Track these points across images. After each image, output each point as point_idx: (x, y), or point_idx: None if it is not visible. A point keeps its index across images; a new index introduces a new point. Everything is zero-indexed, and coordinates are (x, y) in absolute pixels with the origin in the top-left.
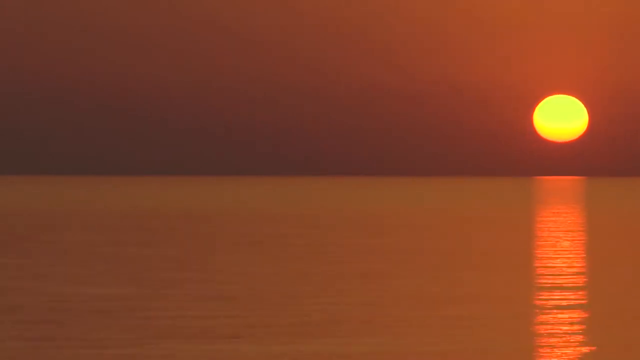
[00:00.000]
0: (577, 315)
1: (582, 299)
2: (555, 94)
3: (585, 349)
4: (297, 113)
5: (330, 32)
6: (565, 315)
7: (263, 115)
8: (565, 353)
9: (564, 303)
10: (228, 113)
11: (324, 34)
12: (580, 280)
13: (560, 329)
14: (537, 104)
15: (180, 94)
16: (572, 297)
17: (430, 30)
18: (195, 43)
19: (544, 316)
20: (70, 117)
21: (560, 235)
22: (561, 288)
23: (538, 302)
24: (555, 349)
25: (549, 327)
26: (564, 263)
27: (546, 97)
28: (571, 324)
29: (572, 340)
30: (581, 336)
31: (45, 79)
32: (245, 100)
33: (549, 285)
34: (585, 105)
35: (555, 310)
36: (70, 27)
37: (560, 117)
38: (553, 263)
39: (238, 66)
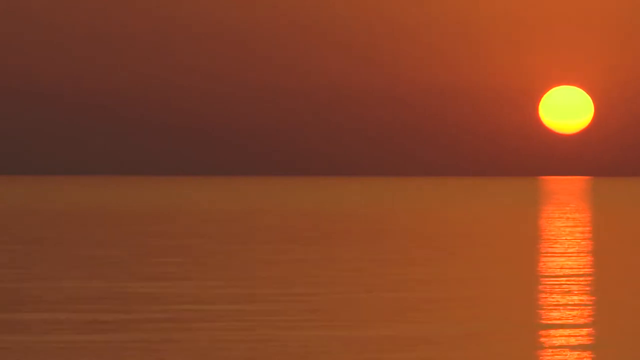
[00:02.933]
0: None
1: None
2: (560, 85)
3: None
4: (311, 115)
5: (335, 35)
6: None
7: (262, 117)
8: None
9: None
10: (229, 115)
11: (328, 37)
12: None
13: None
14: (542, 97)
15: (173, 95)
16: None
17: (430, 31)
18: (188, 44)
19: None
20: (59, 117)
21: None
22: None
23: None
24: None
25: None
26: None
27: (550, 89)
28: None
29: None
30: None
31: (38, 78)
32: (244, 102)
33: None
34: (590, 96)
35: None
36: (62, 27)
37: (567, 108)
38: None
39: (238, 69)
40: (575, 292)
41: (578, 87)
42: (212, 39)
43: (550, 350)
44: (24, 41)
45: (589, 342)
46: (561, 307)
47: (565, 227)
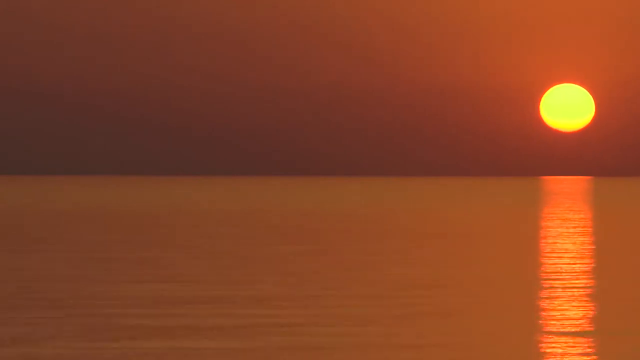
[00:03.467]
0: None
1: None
2: (561, 83)
3: None
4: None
5: (335, 35)
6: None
7: (262, 117)
8: None
9: None
10: (229, 115)
11: (328, 37)
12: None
13: None
14: (542, 95)
15: (164, 95)
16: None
17: (430, 30)
18: (188, 45)
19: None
20: (52, 117)
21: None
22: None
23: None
24: None
25: None
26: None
27: (551, 87)
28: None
29: None
30: None
31: (28, 77)
32: (244, 102)
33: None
34: (591, 94)
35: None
36: (62, 27)
37: (568, 106)
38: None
39: (238, 69)
40: (577, 295)
41: (579, 85)
42: (212, 38)
43: (552, 356)
44: (24, 41)
45: (591, 349)
46: (562, 311)
47: (567, 228)
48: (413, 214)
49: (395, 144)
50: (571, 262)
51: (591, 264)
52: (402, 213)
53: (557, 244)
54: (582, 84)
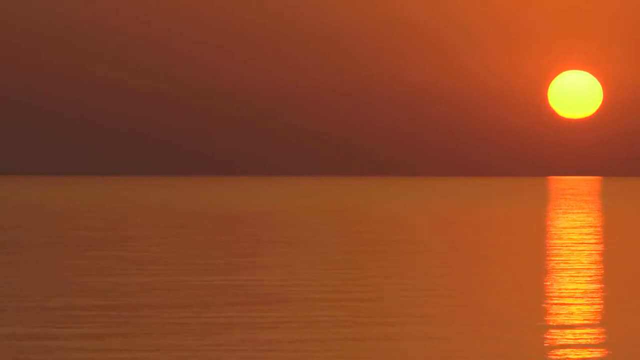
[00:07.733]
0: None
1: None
2: (568, 70)
3: None
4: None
5: (337, 36)
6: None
7: (259, 118)
8: None
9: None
10: (226, 116)
11: (331, 38)
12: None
13: None
14: (549, 85)
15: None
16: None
17: (433, 30)
18: (177, 50)
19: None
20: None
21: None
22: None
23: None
24: None
25: None
26: None
27: (558, 74)
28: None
29: None
30: None
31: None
32: (242, 103)
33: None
34: (600, 81)
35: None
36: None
37: (575, 93)
38: None
39: (238, 72)
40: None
41: (586, 72)
42: (209, 45)
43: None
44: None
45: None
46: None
47: (579, 233)
48: (433, 216)
49: (397, 145)
50: (580, 270)
51: (601, 270)
52: (418, 215)
53: (570, 253)
54: (589, 70)
